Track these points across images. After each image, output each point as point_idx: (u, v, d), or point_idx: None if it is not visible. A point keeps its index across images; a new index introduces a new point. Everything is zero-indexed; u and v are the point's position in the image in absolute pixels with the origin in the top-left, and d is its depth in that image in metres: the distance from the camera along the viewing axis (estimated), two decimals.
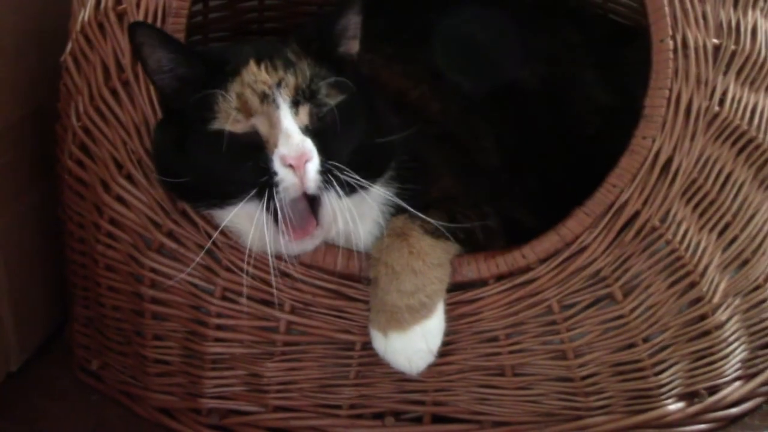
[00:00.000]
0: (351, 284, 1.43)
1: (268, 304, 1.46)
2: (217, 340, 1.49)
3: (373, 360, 1.45)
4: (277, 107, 1.29)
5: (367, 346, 1.43)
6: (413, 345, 1.39)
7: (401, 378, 1.46)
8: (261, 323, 1.47)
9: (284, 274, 1.44)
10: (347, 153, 1.32)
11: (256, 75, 1.31)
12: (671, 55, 1.39)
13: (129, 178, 1.47)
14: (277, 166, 1.28)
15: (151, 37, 1.32)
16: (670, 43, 1.39)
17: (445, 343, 1.43)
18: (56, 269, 1.74)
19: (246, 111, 1.29)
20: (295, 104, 1.29)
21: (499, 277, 1.43)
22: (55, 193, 1.65)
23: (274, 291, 1.41)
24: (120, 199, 1.49)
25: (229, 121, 1.29)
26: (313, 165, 1.28)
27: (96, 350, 1.65)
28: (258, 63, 1.32)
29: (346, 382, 1.49)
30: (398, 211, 1.41)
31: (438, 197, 1.46)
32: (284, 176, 1.28)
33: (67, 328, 1.75)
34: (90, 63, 1.50)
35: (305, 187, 1.28)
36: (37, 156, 1.70)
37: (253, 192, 1.29)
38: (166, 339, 1.53)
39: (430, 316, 1.39)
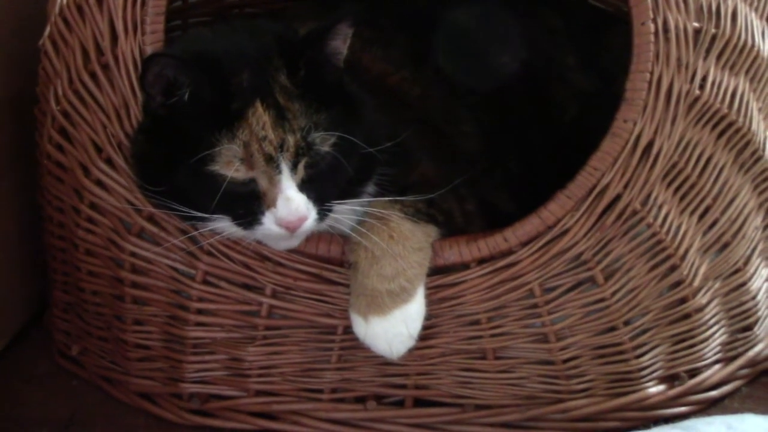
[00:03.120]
0: (332, 268, 1.43)
1: (249, 288, 1.46)
2: (198, 324, 1.49)
3: (354, 344, 1.45)
4: (280, 172, 1.28)
5: (349, 330, 1.43)
6: (393, 329, 1.39)
7: (383, 362, 1.46)
8: (242, 307, 1.47)
9: (265, 258, 1.43)
10: (341, 185, 1.34)
11: (265, 128, 1.28)
12: (652, 38, 1.39)
13: (109, 161, 1.46)
14: (268, 221, 1.29)
15: (170, 65, 1.28)
16: (651, 26, 1.39)
17: (426, 327, 1.43)
18: (35, 254, 1.73)
19: (249, 165, 1.28)
20: (295, 165, 1.29)
21: (481, 261, 1.43)
22: (34, 178, 1.64)
23: None
24: (100, 183, 1.47)
25: (231, 169, 1.28)
26: (310, 221, 1.30)
27: (76, 335, 1.64)
28: (263, 104, 1.29)
29: (327, 366, 1.49)
30: (377, 193, 1.41)
31: (416, 181, 1.46)
32: (273, 229, 1.30)
33: (47, 314, 1.74)
34: (69, 46, 1.49)
35: (296, 235, 1.32)
36: (15, 140, 1.69)
37: (236, 222, 1.31)
38: (146, 324, 1.53)
39: (410, 301, 1.40)
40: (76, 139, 1.49)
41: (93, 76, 1.46)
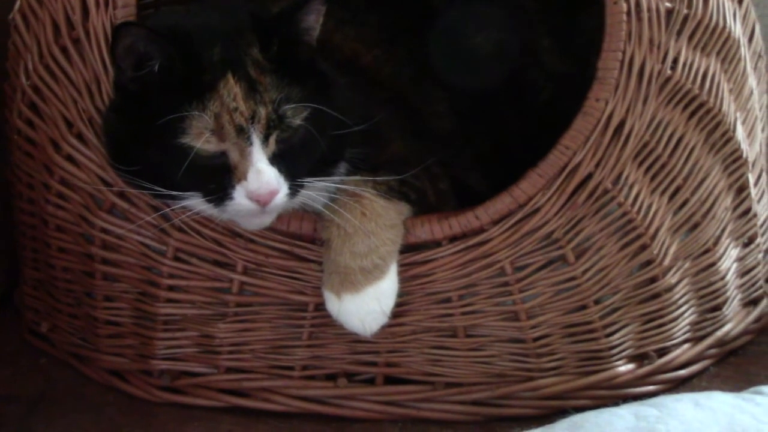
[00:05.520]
0: (304, 245, 1.43)
1: (220, 264, 1.45)
2: (169, 300, 1.49)
3: (325, 321, 1.45)
4: (251, 144, 1.28)
5: (320, 307, 1.43)
6: (366, 306, 1.39)
7: (354, 339, 1.46)
8: (213, 284, 1.47)
9: (236, 235, 1.43)
10: (312, 161, 1.34)
11: (236, 100, 1.28)
12: (624, 17, 1.40)
13: (80, 137, 1.45)
14: (239, 195, 1.29)
15: (139, 35, 1.27)
16: (624, 5, 1.40)
17: (398, 305, 1.43)
18: (4, 231, 1.72)
19: (220, 137, 1.28)
20: (266, 138, 1.29)
21: (453, 239, 1.44)
22: (4, 154, 1.63)
23: None
24: (70, 159, 1.47)
25: (201, 141, 1.27)
26: (281, 195, 1.30)
27: (45, 312, 1.63)
28: (234, 76, 1.29)
29: (298, 343, 1.49)
30: (349, 172, 1.41)
31: (389, 159, 1.46)
32: (244, 204, 1.29)
33: (16, 291, 1.73)
34: (39, 20, 1.48)
35: (267, 211, 1.31)
36: None
37: (207, 198, 1.30)
38: (117, 300, 1.52)
39: (383, 278, 1.40)
40: (47, 114, 1.48)
41: (64, 50, 1.45)
